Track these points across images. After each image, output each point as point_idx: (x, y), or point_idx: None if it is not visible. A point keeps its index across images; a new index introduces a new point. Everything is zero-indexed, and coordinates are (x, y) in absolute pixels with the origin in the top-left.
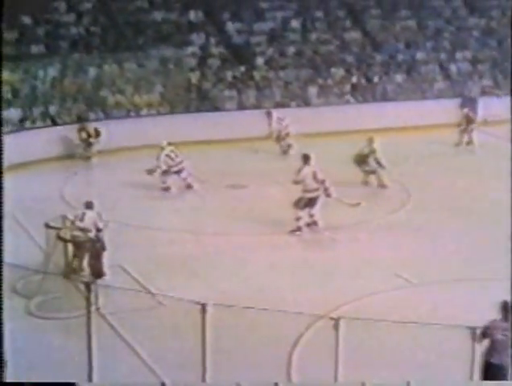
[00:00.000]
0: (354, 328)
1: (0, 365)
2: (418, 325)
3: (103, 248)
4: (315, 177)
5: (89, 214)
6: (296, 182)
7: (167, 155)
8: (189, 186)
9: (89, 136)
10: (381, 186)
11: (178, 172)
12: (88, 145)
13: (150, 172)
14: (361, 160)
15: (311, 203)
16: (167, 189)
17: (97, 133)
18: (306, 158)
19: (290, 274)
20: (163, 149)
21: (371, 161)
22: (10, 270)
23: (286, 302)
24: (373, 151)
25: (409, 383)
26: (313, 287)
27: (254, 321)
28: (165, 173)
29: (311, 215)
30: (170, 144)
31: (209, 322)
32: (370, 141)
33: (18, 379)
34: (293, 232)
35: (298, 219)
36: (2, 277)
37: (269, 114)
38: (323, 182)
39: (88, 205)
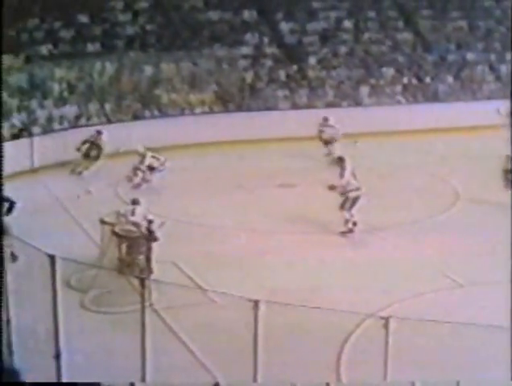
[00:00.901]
0: (403, 327)
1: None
2: (465, 325)
3: (155, 239)
4: (354, 176)
5: (139, 209)
6: (343, 189)
7: (153, 157)
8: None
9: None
10: None
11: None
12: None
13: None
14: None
15: (354, 202)
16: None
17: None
18: (341, 161)
19: (339, 273)
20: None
21: None
22: (65, 264)
23: (335, 301)
24: None
25: (458, 383)
26: (362, 286)
27: (305, 319)
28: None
29: (351, 215)
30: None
31: (261, 320)
32: None
33: (73, 372)
34: (344, 233)
35: (347, 221)
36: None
37: (325, 120)
38: None
39: (135, 201)
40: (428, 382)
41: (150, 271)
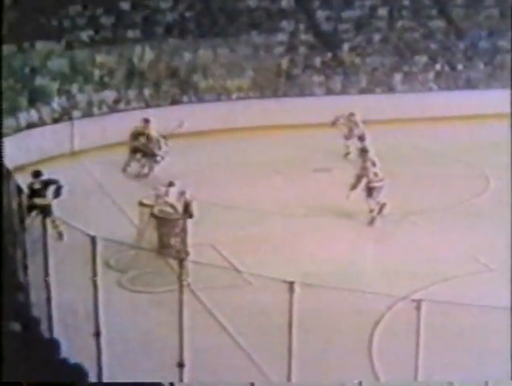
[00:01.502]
0: (434, 311)
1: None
2: (495, 309)
3: (190, 216)
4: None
5: (173, 190)
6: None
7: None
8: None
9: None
10: None
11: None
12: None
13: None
14: None
15: (378, 191)
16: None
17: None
18: (364, 152)
19: (372, 257)
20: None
21: None
22: (105, 245)
23: (368, 284)
24: None
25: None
26: (394, 270)
27: (338, 301)
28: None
29: (378, 203)
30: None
31: (295, 301)
32: None
33: (112, 350)
34: (370, 223)
35: (372, 210)
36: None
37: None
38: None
39: (171, 183)
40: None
41: (187, 253)
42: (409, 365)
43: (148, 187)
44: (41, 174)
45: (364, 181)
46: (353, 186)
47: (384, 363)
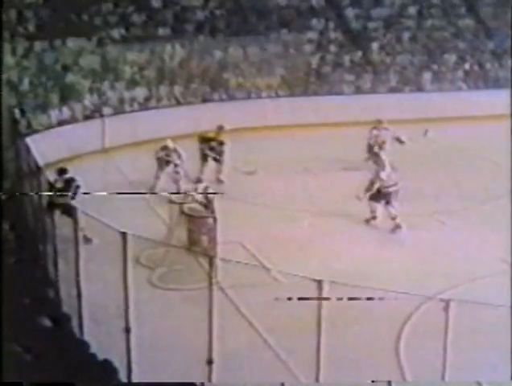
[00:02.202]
0: (462, 310)
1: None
2: None
3: (212, 211)
4: (394, 169)
5: (201, 186)
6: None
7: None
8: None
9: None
10: None
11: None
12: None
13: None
14: None
15: (394, 197)
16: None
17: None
18: (377, 157)
19: (400, 256)
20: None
21: None
22: (135, 242)
23: (395, 283)
24: None
25: None
26: (421, 269)
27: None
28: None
29: (391, 214)
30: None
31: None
32: None
33: (141, 347)
34: (393, 231)
35: (394, 217)
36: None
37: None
38: None
39: (199, 180)
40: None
41: (215, 251)
42: (436, 365)
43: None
44: (66, 171)
45: (376, 185)
46: (367, 189)
47: (411, 363)
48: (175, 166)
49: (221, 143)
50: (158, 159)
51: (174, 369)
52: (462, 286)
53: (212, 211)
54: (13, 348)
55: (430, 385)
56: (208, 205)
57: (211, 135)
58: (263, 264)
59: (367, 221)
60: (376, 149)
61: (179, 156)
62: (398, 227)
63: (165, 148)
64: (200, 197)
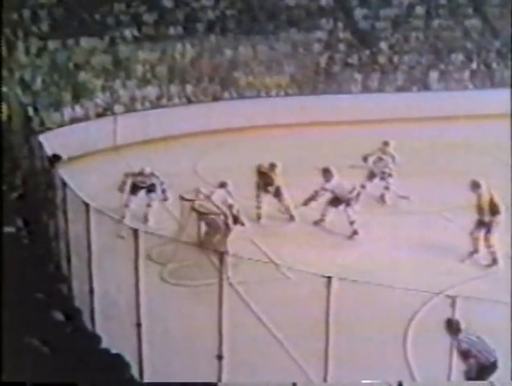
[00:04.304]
0: (468, 307)
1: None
2: None
3: (242, 223)
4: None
5: (220, 192)
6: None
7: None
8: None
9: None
10: None
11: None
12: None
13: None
14: None
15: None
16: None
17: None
18: (327, 172)
19: (407, 252)
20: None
21: None
22: (147, 238)
23: (403, 280)
24: None
25: None
26: (429, 265)
27: (373, 296)
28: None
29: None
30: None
31: (332, 296)
32: None
33: (152, 341)
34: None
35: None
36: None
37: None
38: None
39: (222, 184)
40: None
41: (226, 249)
42: (443, 362)
43: (189, 183)
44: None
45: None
46: (309, 200)
47: (418, 360)
48: (149, 190)
49: (272, 183)
50: (134, 185)
51: (184, 364)
52: (468, 283)
53: (242, 224)
54: (31, 342)
55: (441, 385)
56: (236, 220)
57: (265, 170)
58: (272, 260)
59: (315, 223)
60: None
61: (157, 178)
62: (355, 233)
63: (141, 174)
64: (214, 199)
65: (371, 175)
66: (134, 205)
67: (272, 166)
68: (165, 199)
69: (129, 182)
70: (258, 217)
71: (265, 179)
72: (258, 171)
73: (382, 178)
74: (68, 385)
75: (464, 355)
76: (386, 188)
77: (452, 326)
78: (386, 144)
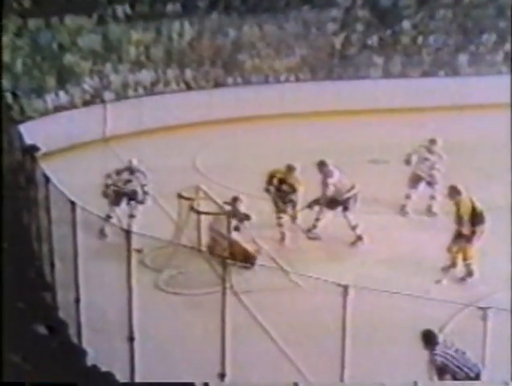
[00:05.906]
0: (500, 319)
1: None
2: None
3: (246, 216)
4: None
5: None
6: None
7: None
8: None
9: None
10: None
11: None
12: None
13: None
14: None
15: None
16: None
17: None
18: (322, 165)
19: (432, 259)
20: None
21: None
22: (140, 241)
23: (428, 289)
24: None
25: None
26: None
27: (394, 308)
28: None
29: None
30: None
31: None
32: None
33: (146, 357)
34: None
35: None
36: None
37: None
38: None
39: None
40: None
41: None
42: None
43: (189, 179)
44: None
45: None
46: (315, 202)
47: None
48: (130, 198)
49: (293, 190)
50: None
51: (182, 383)
52: (500, 293)
53: (247, 216)
54: (11, 358)
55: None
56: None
57: (280, 175)
58: (281, 267)
59: (308, 230)
60: None
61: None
62: (359, 239)
63: (126, 170)
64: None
65: (415, 179)
66: (116, 217)
67: (290, 169)
68: (141, 202)
69: (111, 187)
70: (282, 238)
71: (283, 190)
72: (270, 178)
73: (430, 184)
74: (67, 385)
75: (440, 370)
76: (432, 197)
77: (429, 339)
78: (432, 142)
